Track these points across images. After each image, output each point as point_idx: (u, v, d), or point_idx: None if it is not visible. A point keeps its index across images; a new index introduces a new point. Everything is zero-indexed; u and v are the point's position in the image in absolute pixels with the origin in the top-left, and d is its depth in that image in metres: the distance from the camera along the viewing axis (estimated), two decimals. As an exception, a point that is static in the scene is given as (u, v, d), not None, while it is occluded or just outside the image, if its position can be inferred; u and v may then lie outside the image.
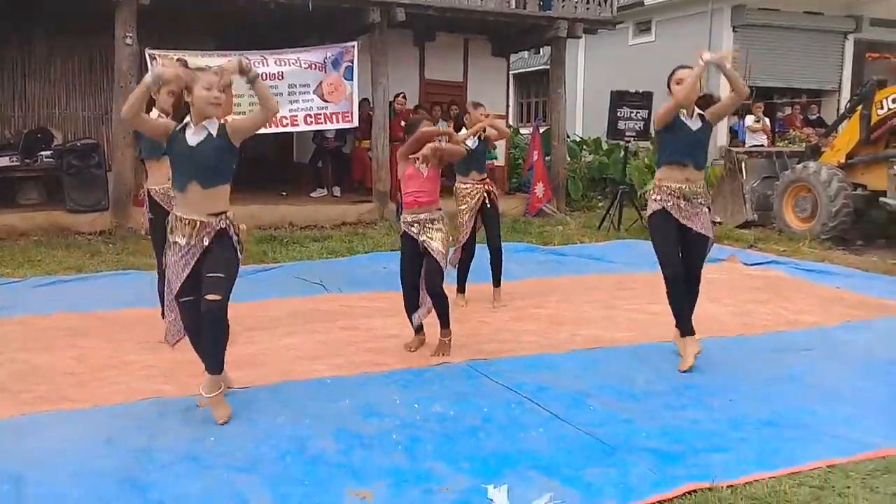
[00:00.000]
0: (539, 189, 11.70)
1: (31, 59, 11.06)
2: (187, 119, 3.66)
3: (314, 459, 3.30)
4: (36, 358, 4.65)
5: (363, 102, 10.85)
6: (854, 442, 3.49)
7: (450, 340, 4.81)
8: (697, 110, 4.60)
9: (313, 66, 9.82)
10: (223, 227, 3.67)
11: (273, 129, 9.90)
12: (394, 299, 5.92)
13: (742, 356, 4.84)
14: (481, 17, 11.42)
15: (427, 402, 3.93)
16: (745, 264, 8.01)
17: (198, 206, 3.64)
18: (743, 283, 7.13)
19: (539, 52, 21.39)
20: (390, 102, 11.14)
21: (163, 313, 5.17)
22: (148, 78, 3.57)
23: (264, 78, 9.51)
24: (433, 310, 4.78)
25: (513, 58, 14.78)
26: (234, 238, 3.72)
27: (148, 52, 8.72)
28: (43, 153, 9.96)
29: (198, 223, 3.63)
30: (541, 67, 21.29)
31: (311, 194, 11.45)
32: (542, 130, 12.94)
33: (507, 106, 14.69)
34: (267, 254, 8.30)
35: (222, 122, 3.70)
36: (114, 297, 6.17)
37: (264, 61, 9.51)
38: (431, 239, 4.69)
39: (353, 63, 9.98)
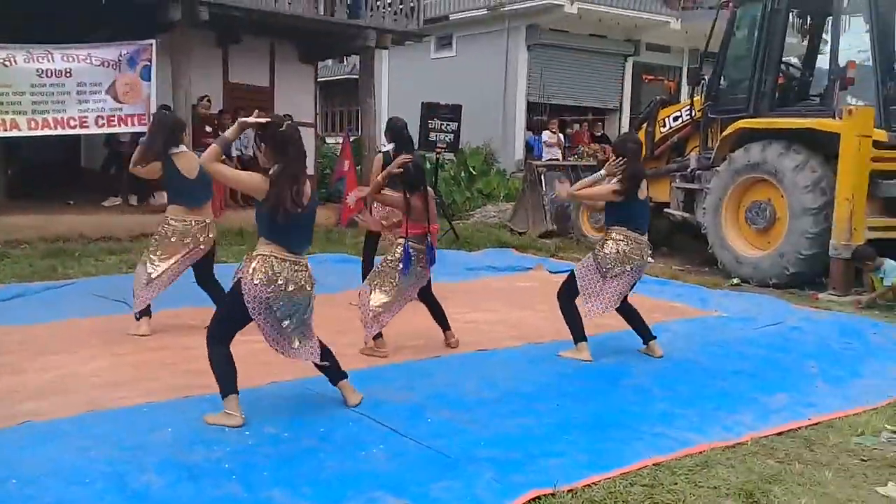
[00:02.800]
0: (351, 199, 11.58)
1: None
2: None
3: (137, 496, 2.99)
4: None
5: (162, 107, 10.16)
6: (672, 439, 3.74)
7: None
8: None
9: (106, 63, 9.05)
10: None
11: (60, 132, 9.01)
12: (206, 316, 5.55)
13: (560, 360, 5.06)
14: (290, 22, 11.14)
15: (258, 425, 3.71)
16: (551, 272, 8.42)
17: None
18: (552, 290, 7.35)
19: (344, 62, 21.35)
20: (193, 106, 10.56)
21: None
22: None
23: (49, 75, 8.69)
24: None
25: (318, 65, 14.59)
26: None
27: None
28: None
29: None
30: (346, 76, 21.24)
31: (104, 203, 10.54)
32: (352, 139, 12.87)
33: (315, 114, 14.46)
34: (56, 268, 7.52)
35: None
36: None
37: (49, 56, 8.63)
38: None
39: (150, 63, 9.30)
